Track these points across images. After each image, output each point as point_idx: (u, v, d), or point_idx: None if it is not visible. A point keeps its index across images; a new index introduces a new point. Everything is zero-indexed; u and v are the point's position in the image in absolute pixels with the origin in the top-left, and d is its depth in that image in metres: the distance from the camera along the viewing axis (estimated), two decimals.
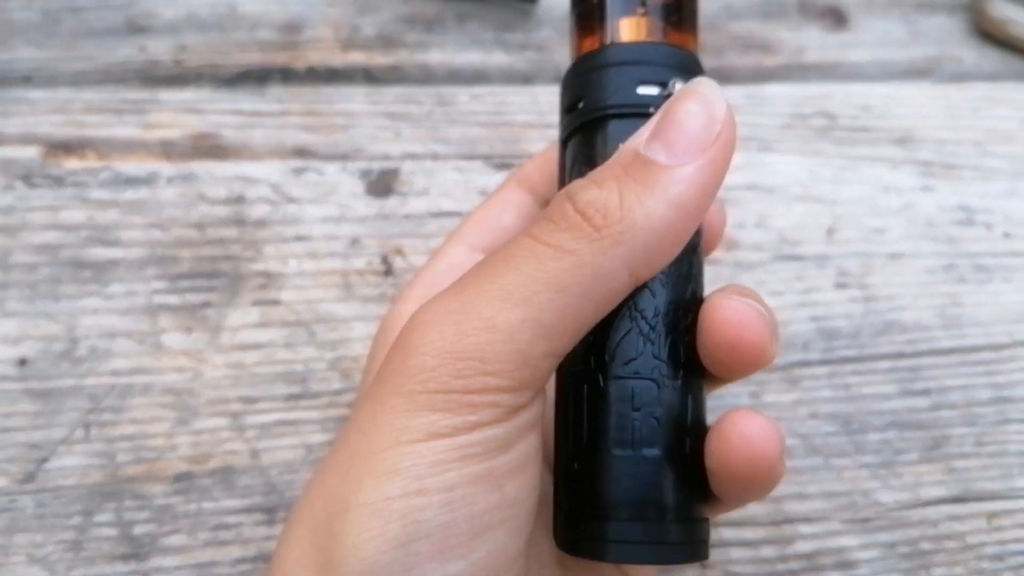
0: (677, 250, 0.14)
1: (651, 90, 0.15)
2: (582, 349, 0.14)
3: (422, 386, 0.13)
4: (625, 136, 0.14)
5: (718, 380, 0.16)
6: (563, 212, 0.13)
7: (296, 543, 0.13)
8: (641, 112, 0.15)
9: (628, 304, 0.14)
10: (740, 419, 0.14)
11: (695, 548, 0.14)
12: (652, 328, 0.14)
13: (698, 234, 0.15)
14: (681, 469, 0.14)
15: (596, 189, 0.13)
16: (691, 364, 0.15)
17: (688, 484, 0.14)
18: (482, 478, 0.13)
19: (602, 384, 0.14)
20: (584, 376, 0.14)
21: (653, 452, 0.14)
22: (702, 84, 0.14)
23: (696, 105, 0.13)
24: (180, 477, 0.21)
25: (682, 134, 0.13)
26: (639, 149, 0.13)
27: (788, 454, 0.22)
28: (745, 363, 0.14)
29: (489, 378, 0.13)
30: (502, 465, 0.13)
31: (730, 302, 0.14)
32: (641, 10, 0.15)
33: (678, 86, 0.15)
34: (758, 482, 0.14)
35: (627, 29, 0.15)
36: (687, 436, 0.14)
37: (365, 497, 0.12)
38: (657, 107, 0.14)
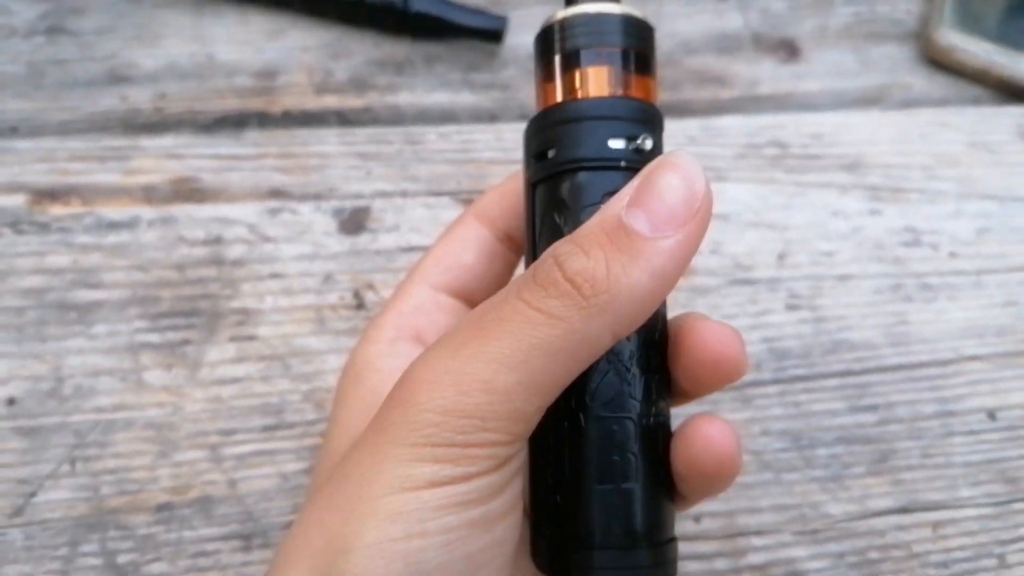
0: (653, 310, 0.15)
1: (620, 143, 0.16)
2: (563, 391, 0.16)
3: (426, 439, 0.14)
4: (595, 187, 0.16)
5: (687, 397, 0.17)
6: (553, 279, 0.14)
7: None
8: (611, 165, 0.16)
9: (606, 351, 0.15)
10: (702, 423, 0.16)
11: (667, 568, 0.16)
12: (628, 370, 0.15)
13: None
14: (656, 496, 0.15)
15: (584, 258, 0.14)
16: (663, 395, 0.16)
17: (662, 508, 0.16)
18: (477, 521, 0.14)
19: (583, 423, 0.15)
20: (565, 415, 0.16)
21: (632, 485, 0.15)
22: (683, 158, 0.15)
23: (677, 179, 0.14)
24: (161, 508, 0.22)
25: (664, 207, 0.14)
26: (622, 216, 0.14)
27: (741, 469, 0.24)
28: (726, 377, 0.16)
29: (488, 434, 0.14)
30: (495, 509, 0.14)
31: (708, 324, 0.16)
32: (608, 64, 0.16)
33: (648, 142, 0.16)
34: (722, 476, 0.16)
35: (595, 81, 0.16)
36: (661, 465, 0.16)
37: (369, 538, 0.13)
38: (627, 161, 0.16)
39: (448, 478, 0.14)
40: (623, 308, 0.14)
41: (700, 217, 0.14)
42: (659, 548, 0.15)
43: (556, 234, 0.16)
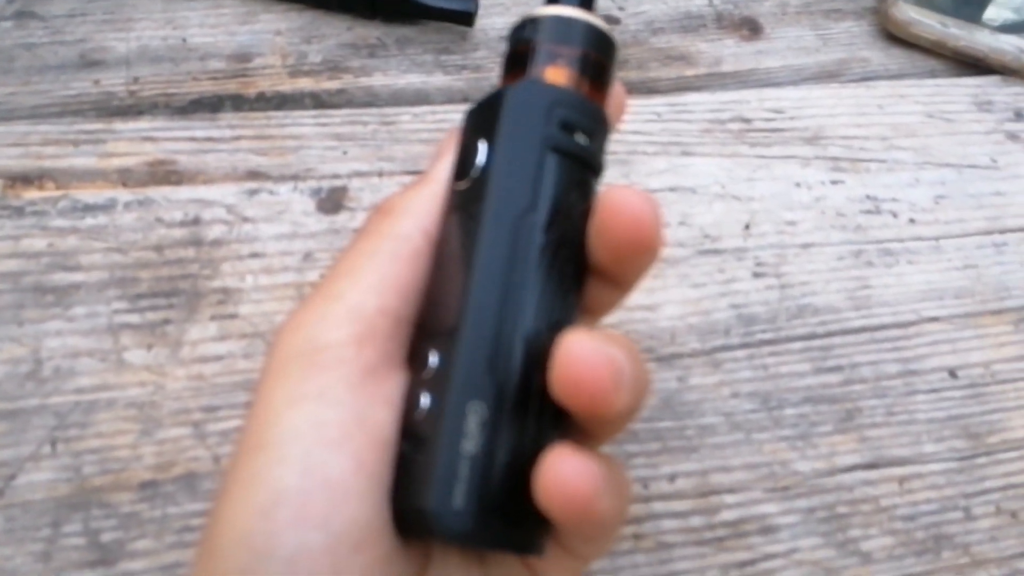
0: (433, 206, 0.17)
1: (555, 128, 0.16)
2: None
3: (280, 358, 0.15)
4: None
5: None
6: (366, 217, 0.17)
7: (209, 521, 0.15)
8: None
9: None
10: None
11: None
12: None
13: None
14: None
15: (385, 197, 0.17)
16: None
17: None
18: (338, 446, 0.14)
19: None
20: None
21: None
22: (447, 132, 0.18)
23: (443, 137, 0.18)
24: (145, 485, 0.22)
25: (432, 153, 0.18)
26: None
27: (711, 432, 0.24)
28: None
29: (330, 333, 0.15)
30: (357, 436, 0.14)
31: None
32: (566, 64, 0.17)
33: (583, 138, 0.16)
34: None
35: (552, 76, 0.17)
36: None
37: (237, 473, 0.14)
38: (556, 141, 0.16)
39: (303, 395, 0.14)
40: (419, 209, 0.16)
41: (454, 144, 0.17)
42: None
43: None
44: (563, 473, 0.13)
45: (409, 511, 0.14)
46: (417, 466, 0.14)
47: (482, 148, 0.16)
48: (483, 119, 0.17)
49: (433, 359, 0.15)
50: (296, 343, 0.15)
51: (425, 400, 0.15)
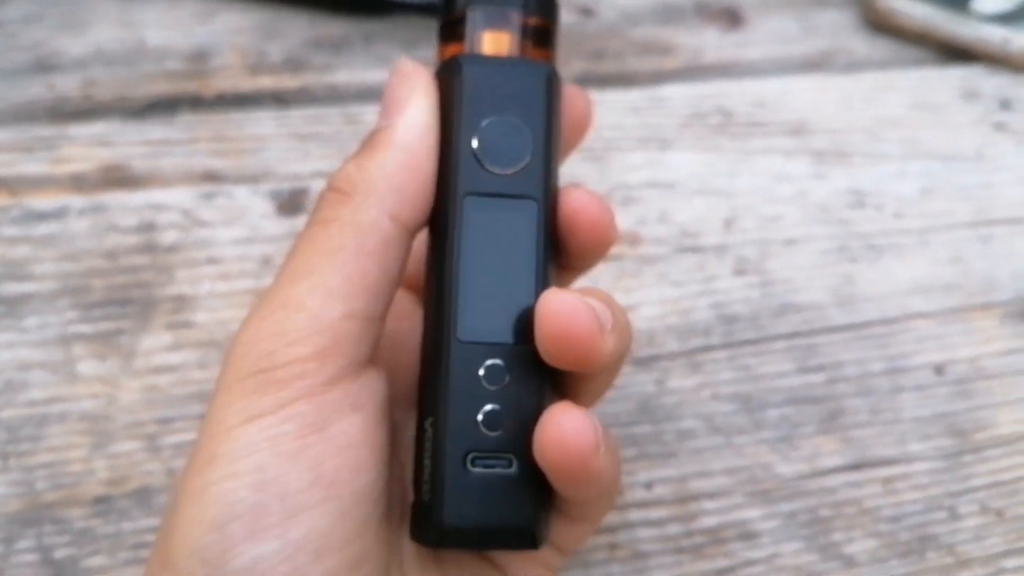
0: (425, 179, 0.15)
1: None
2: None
3: (235, 374, 0.14)
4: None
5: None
6: (319, 197, 0.15)
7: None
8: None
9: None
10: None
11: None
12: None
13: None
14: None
15: (338, 168, 0.15)
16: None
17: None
18: (294, 457, 0.13)
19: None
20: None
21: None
22: (398, 68, 0.16)
23: (393, 76, 0.16)
24: (99, 500, 0.21)
25: (388, 94, 0.16)
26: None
27: (690, 436, 0.24)
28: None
29: (291, 348, 0.14)
30: (316, 445, 0.13)
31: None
32: (508, 29, 0.16)
33: None
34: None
35: (492, 45, 0.16)
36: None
37: (188, 487, 0.13)
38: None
39: (258, 410, 0.13)
40: (382, 187, 0.15)
41: (420, 88, 0.15)
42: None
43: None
44: (564, 427, 0.14)
45: (422, 524, 0.15)
46: (419, 479, 0.15)
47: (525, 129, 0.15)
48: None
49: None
50: (252, 359, 0.14)
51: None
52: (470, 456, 0.14)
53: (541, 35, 0.17)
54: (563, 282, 0.18)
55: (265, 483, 0.13)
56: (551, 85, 0.16)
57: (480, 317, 0.15)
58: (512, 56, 0.16)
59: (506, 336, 0.15)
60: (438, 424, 0.14)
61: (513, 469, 0.15)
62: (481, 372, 0.15)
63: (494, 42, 0.16)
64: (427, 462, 0.14)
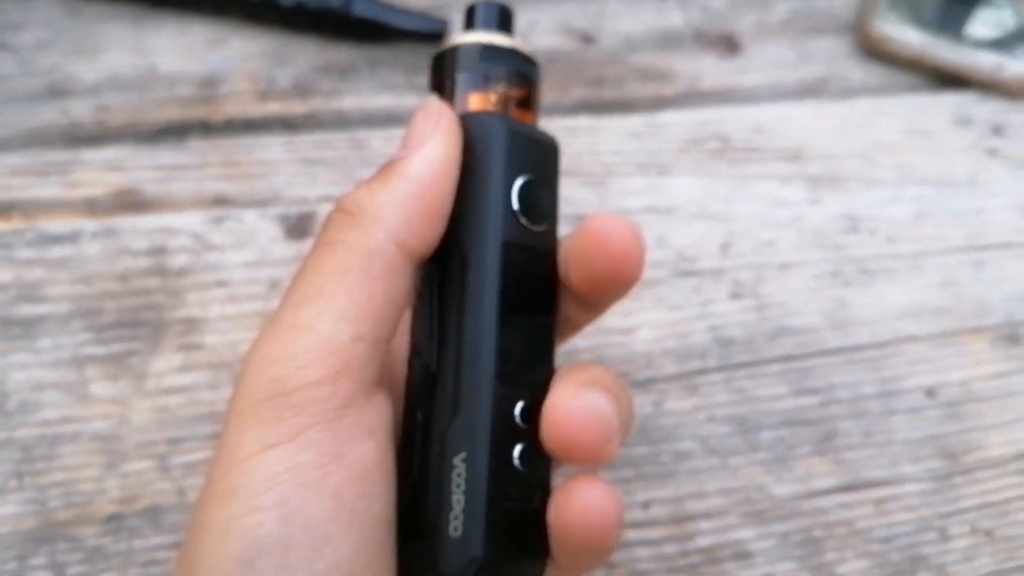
0: (432, 213, 0.16)
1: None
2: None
3: (247, 400, 0.14)
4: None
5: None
6: (328, 217, 0.16)
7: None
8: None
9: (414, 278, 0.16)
10: (581, 485, 0.15)
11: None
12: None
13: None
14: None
15: (351, 191, 0.16)
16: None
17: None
18: (316, 487, 0.13)
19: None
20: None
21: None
22: (431, 101, 0.17)
23: (421, 111, 0.17)
24: (110, 519, 0.22)
25: (412, 133, 0.16)
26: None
27: (686, 457, 0.24)
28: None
29: (303, 372, 0.14)
30: (336, 473, 0.14)
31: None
32: (492, 91, 0.17)
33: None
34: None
35: (478, 105, 0.17)
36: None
37: (210, 521, 0.13)
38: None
39: (274, 439, 0.13)
40: (391, 214, 0.15)
41: (443, 128, 0.16)
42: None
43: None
44: (590, 503, 0.14)
45: (418, 563, 0.15)
46: (421, 518, 0.15)
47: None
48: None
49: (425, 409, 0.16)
50: (264, 383, 0.14)
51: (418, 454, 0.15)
52: (505, 491, 0.15)
53: (529, 102, 0.18)
54: (586, 320, 0.18)
55: (290, 516, 0.13)
56: (559, 157, 0.18)
57: (513, 361, 0.15)
58: (531, 123, 0.18)
59: (534, 378, 0.16)
60: (474, 460, 0.15)
61: (536, 503, 0.15)
62: (516, 411, 0.15)
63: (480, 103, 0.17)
64: (459, 497, 0.15)
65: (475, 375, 0.15)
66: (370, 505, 0.14)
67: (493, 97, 0.17)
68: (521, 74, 0.17)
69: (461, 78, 0.17)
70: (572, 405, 0.14)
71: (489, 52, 0.17)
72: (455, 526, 0.15)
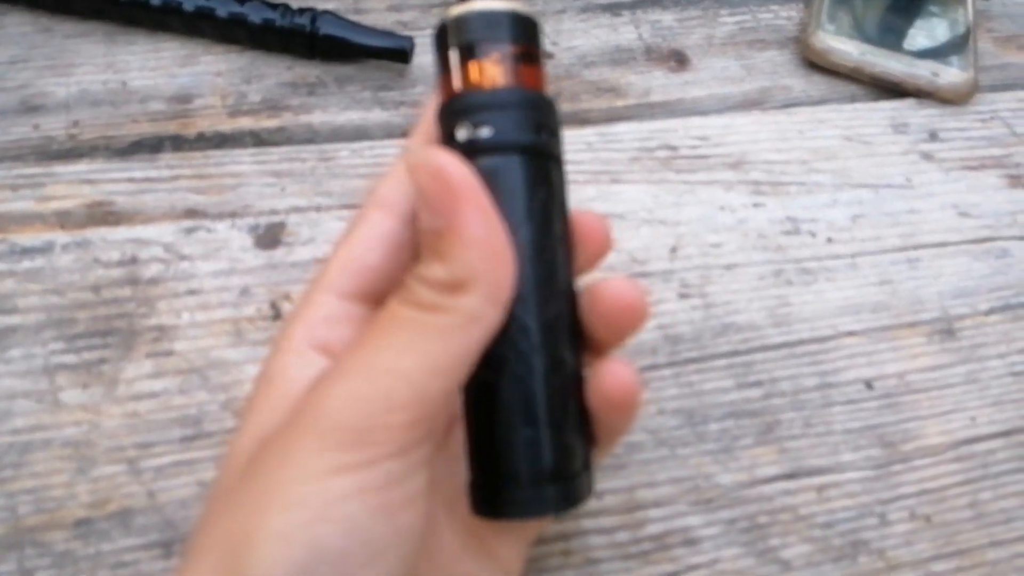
0: (504, 262, 0.17)
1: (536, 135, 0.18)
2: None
3: (331, 427, 0.15)
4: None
5: (602, 349, 0.20)
6: (408, 289, 0.17)
7: (200, 572, 0.15)
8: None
9: (508, 317, 0.17)
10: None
11: (570, 500, 0.18)
12: (526, 334, 0.17)
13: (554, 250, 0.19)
14: (563, 437, 0.18)
15: (425, 270, 0.17)
16: (571, 348, 0.18)
17: (570, 447, 0.18)
18: (379, 509, 0.15)
19: (493, 380, 0.17)
20: (479, 376, 0.17)
21: (536, 431, 0.17)
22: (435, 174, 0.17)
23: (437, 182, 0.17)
24: (80, 523, 0.22)
25: (425, 202, 0.17)
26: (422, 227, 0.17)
27: (638, 449, 0.25)
28: (629, 315, 0.19)
29: (392, 416, 0.15)
30: (397, 498, 0.15)
31: (613, 281, 0.19)
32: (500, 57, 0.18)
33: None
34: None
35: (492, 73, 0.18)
36: (569, 409, 0.18)
37: (273, 527, 0.14)
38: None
39: (351, 464, 0.15)
40: (483, 280, 0.16)
41: (467, 194, 0.16)
42: (565, 482, 0.18)
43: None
44: (622, 376, 0.18)
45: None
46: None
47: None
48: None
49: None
50: (352, 414, 0.15)
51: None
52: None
53: (535, 57, 0.19)
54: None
55: (351, 531, 0.15)
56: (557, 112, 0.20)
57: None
58: (539, 78, 0.19)
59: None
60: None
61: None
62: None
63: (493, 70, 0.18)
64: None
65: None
66: (417, 525, 0.16)
67: (500, 60, 0.18)
68: (523, 34, 0.18)
69: (466, 46, 0.18)
70: (621, 282, 0.18)
71: (490, 17, 0.18)
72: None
